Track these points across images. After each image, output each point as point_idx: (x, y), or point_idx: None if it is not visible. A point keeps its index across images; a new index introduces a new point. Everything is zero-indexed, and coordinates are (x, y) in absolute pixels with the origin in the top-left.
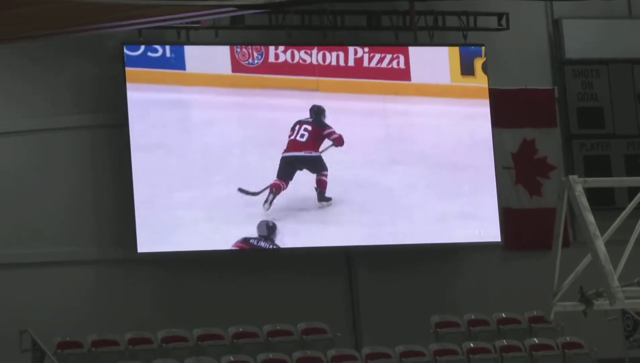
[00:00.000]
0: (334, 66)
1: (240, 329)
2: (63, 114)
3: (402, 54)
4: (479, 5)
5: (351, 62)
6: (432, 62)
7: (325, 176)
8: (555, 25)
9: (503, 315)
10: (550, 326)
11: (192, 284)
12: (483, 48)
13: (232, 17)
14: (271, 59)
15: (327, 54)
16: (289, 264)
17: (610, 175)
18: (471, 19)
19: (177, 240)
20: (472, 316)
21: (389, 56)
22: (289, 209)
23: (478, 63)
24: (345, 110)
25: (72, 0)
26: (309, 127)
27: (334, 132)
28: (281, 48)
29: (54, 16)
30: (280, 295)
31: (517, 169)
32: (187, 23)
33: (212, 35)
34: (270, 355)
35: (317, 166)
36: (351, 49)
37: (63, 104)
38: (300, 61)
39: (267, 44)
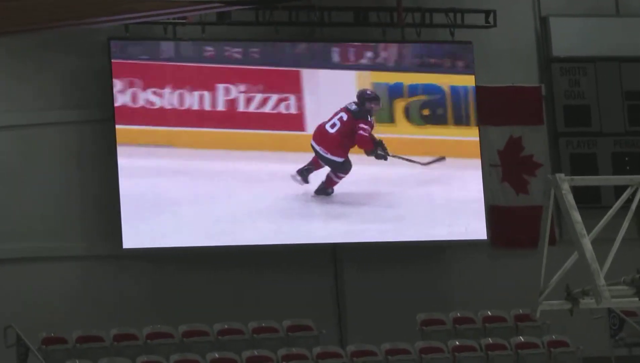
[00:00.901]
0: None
1: (226, 326)
2: (49, 109)
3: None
4: (466, 3)
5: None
6: None
7: (341, 177)
8: (543, 23)
9: (489, 313)
10: (536, 324)
11: (177, 280)
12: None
13: (219, 13)
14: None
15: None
16: (274, 260)
17: (597, 173)
18: (458, 16)
19: (163, 236)
20: (458, 314)
21: (274, 97)
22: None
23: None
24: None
25: None
26: (345, 116)
27: (363, 130)
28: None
29: (40, 10)
30: (266, 291)
31: (504, 167)
32: (173, 19)
33: (198, 31)
34: (255, 352)
35: (340, 167)
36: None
37: (50, 99)
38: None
39: (254, 39)
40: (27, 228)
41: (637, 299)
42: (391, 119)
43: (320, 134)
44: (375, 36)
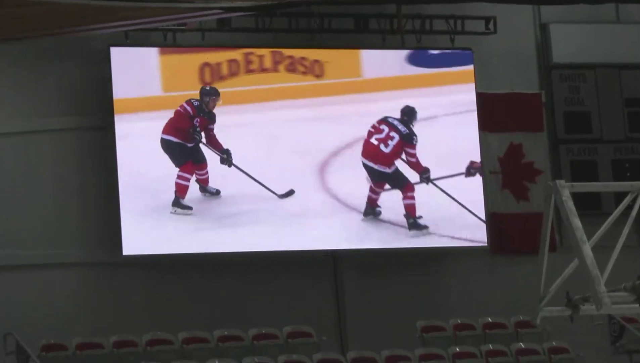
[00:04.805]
0: None
1: (226, 332)
2: (48, 116)
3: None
4: (466, 9)
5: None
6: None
7: (412, 197)
8: (543, 30)
9: (489, 319)
10: (536, 331)
11: (177, 287)
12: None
13: (219, 19)
14: None
15: None
16: (275, 267)
17: (597, 180)
18: (459, 22)
19: (162, 243)
20: (458, 321)
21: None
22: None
23: None
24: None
25: (58, 2)
26: (396, 138)
27: (412, 156)
28: None
29: (39, 18)
30: (266, 298)
31: (504, 174)
32: (173, 25)
33: (198, 37)
34: (256, 359)
35: (398, 182)
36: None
37: (48, 106)
38: None
39: (253, 46)
40: (27, 235)
41: (637, 305)
42: None
43: (373, 152)
44: (375, 43)
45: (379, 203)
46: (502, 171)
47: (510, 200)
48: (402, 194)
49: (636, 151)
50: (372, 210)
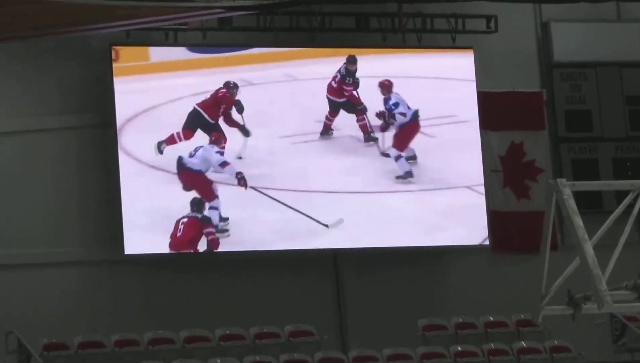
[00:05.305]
0: None
1: (227, 331)
2: (50, 114)
3: None
4: (467, 8)
5: None
6: None
7: (363, 118)
8: (544, 28)
9: (491, 318)
10: (538, 329)
11: (178, 286)
12: None
13: (220, 18)
14: None
15: None
16: (276, 266)
17: (598, 178)
18: (460, 21)
19: (164, 242)
20: (460, 320)
21: None
22: None
23: None
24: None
25: (59, 1)
26: (338, 77)
27: (349, 91)
28: None
29: (41, 17)
30: (268, 297)
31: (505, 172)
32: (174, 24)
33: (199, 36)
34: (257, 358)
35: (350, 108)
36: None
37: (49, 104)
38: None
39: (254, 45)
40: (28, 233)
41: (639, 304)
42: None
43: (329, 87)
44: (376, 42)
45: (332, 127)
46: (503, 169)
47: (511, 198)
48: (356, 116)
49: (637, 150)
50: (326, 132)
